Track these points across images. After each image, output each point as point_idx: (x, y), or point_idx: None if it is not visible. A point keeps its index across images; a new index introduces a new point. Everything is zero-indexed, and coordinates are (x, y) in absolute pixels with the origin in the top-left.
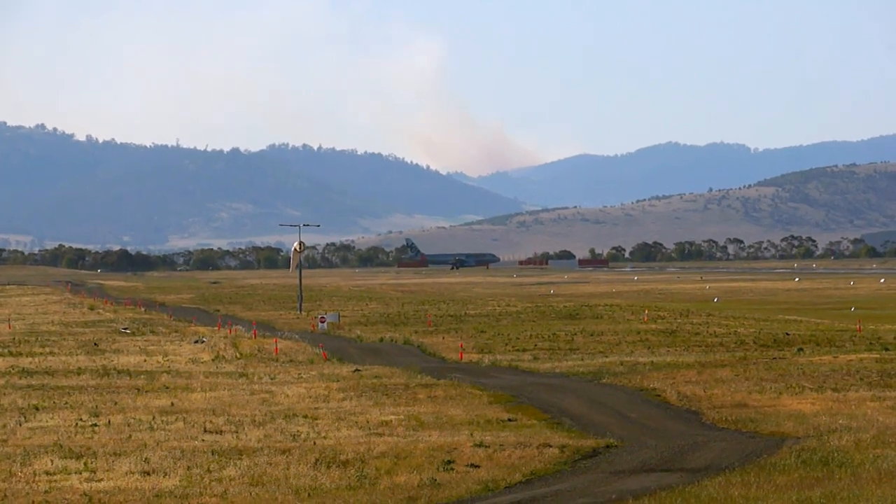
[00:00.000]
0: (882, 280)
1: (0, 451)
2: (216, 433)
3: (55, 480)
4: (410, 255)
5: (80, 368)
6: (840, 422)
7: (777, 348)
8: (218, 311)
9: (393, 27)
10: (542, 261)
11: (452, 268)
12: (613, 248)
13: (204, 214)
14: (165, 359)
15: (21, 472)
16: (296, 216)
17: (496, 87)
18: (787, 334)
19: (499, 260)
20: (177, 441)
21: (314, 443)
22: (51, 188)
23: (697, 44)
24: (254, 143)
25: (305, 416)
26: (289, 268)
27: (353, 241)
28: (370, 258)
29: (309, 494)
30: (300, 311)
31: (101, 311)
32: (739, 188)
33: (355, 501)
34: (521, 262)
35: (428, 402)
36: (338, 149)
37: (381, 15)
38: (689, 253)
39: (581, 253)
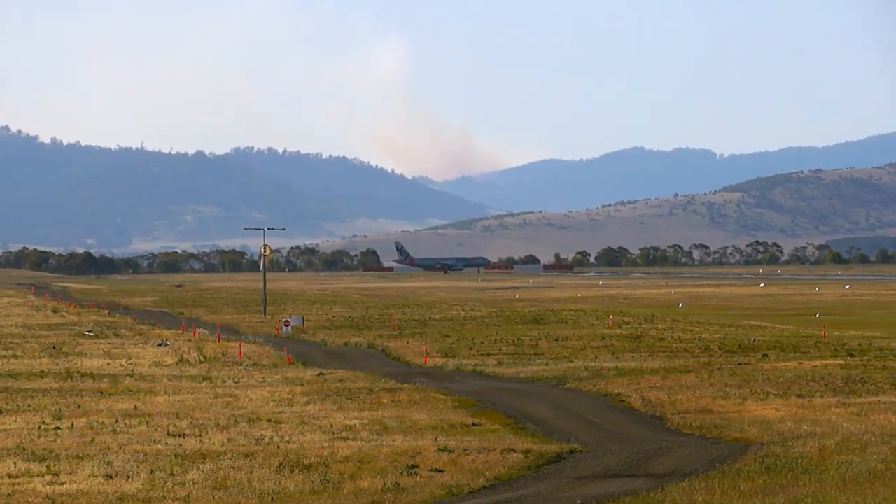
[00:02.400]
0: (847, 286)
1: None
2: (179, 437)
3: (18, 483)
4: (400, 259)
5: (43, 371)
6: (804, 428)
7: (742, 354)
8: (182, 314)
9: (356, 28)
10: (506, 265)
11: (444, 272)
12: (578, 253)
13: (168, 217)
14: (129, 362)
15: None
16: (261, 219)
17: (461, 91)
18: (753, 340)
19: (489, 263)
20: (140, 444)
21: (278, 447)
22: (15, 190)
23: (663, 49)
24: (219, 146)
25: (269, 420)
26: (258, 268)
27: (317, 245)
28: (335, 262)
29: (272, 499)
30: (264, 314)
31: (64, 313)
32: (705, 194)
33: None
34: (485, 267)
35: (392, 406)
36: (303, 152)
37: (345, 16)
38: (654, 258)
39: (546, 258)
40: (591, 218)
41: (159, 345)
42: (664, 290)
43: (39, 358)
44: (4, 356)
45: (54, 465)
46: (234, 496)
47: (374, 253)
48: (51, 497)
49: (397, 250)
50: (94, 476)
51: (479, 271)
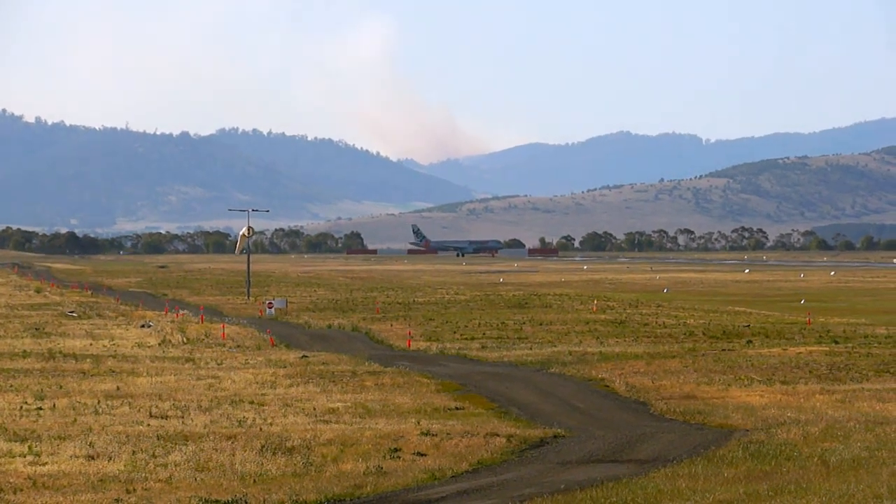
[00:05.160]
0: (832, 273)
1: None
2: (162, 418)
3: None
4: (415, 241)
5: (25, 352)
6: (788, 415)
7: (726, 340)
8: (165, 295)
9: (340, 8)
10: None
11: (458, 255)
12: (563, 237)
13: (153, 198)
14: (112, 343)
15: None
16: (245, 201)
17: (447, 74)
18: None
19: (501, 246)
20: (122, 426)
21: (260, 429)
22: None
23: (650, 33)
24: (204, 127)
25: (252, 402)
26: (235, 251)
27: (302, 227)
28: (319, 244)
29: (255, 481)
30: (248, 296)
31: (47, 293)
32: (691, 179)
33: (301, 488)
34: (497, 251)
35: (375, 389)
36: (288, 134)
37: None
38: (639, 243)
39: (531, 242)
40: (577, 202)
41: (142, 326)
42: (649, 276)
43: (22, 338)
44: None
45: (36, 446)
46: (216, 478)
47: (359, 235)
48: (32, 477)
49: (413, 232)
50: (75, 457)
51: (493, 255)
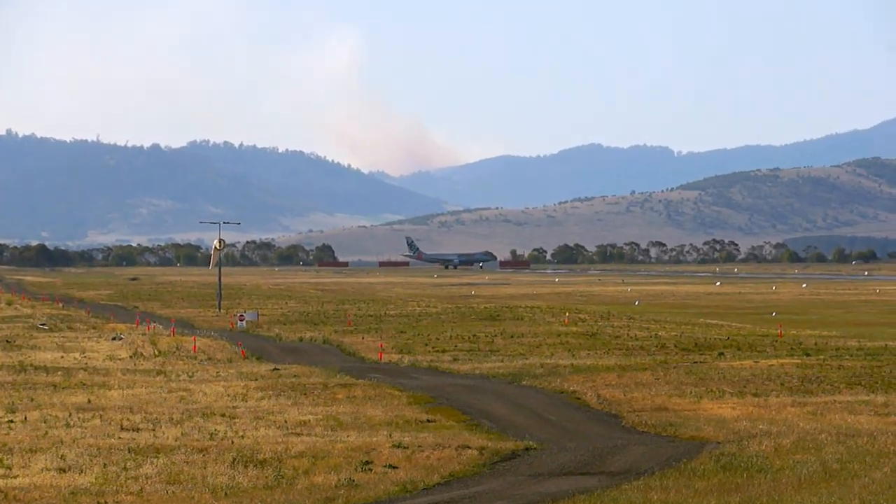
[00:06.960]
0: (804, 285)
1: None
2: (133, 431)
3: None
4: (409, 254)
5: None
6: (760, 427)
7: (698, 352)
8: (136, 307)
9: (311, 20)
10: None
11: (445, 267)
12: (535, 249)
13: (124, 210)
14: (83, 355)
15: None
16: (216, 213)
17: (418, 86)
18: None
19: (489, 259)
20: (93, 438)
21: (232, 442)
22: None
23: (621, 46)
24: (175, 139)
25: (223, 415)
26: (209, 265)
27: (273, 240)
28: (290, 256)
29: (226, 494)
30: (219, 309)
31: (18, 306)
32: (662, 191)
33: (272, 501)
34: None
35: (347, 402)
36: (259, 146)
37: (300, 7)
38: (610, 255)
39: (502, 254)
40: (548, 215)
41: (113, 338)
42: (620, 288)
43: None
44: None
45: (7, 459)
46: (187, 491)
47: (330, 248)
48: (3, 490)
49: (407, 245)
50: (47, 469)
51: (481, 267)
